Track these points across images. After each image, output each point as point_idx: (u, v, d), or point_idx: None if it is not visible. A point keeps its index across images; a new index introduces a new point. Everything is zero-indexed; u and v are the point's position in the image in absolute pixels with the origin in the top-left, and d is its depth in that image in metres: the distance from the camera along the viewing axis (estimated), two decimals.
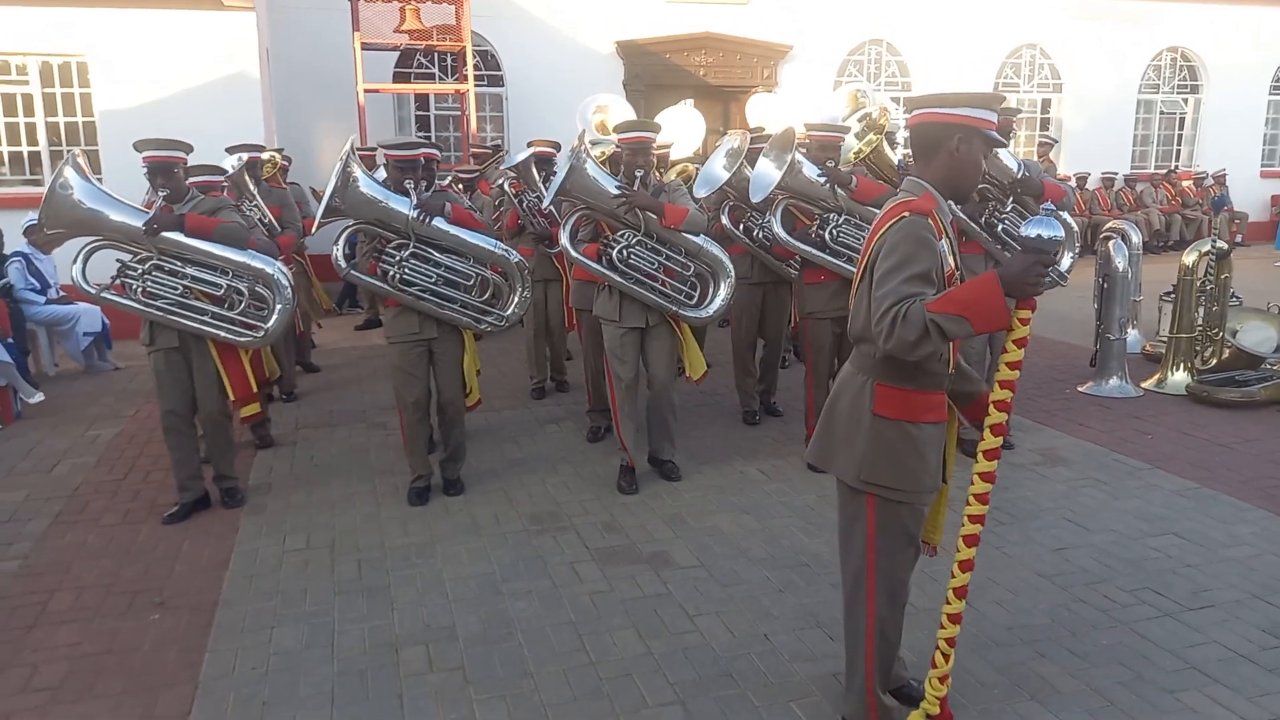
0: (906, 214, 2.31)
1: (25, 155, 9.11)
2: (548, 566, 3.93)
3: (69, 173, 4.02)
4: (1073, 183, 14.08)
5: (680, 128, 7.50)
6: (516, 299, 4.60)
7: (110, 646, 3.33)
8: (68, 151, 4.09)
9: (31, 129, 9.06)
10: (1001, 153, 4.94)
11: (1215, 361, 6.54)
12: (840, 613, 3.45)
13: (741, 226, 5.59)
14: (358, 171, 4.13)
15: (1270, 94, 15.99)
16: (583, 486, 4.86)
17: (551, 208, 5.29)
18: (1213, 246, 6.46)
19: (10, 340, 6.36)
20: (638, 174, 4.46)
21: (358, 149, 4.53)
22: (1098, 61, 14.67)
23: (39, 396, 6.40)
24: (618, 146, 5.76)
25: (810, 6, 13.42)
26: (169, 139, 4.30)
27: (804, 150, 4.96)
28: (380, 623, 3.46)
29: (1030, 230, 2.14)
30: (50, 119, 9.05)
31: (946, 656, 2.51)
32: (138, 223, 4.12)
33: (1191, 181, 15.16)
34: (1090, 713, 2.85)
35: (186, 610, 3.59)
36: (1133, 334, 7.25)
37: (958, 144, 2.34)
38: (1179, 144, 16.04)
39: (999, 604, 3.55)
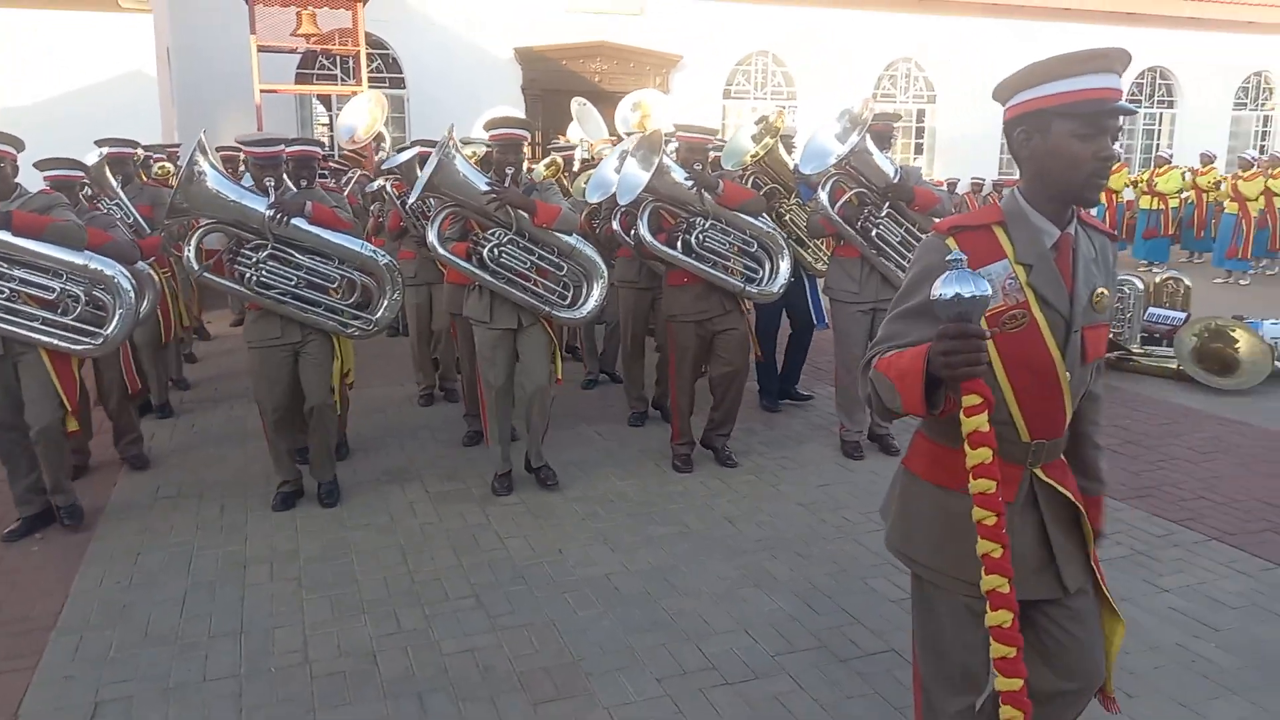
0: (931, 233, 1.95)
1: None
2: (389, 506, 4.56)
3: None
4: (944, 188, 15.19)
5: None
6: (386, 302, 4.43)
7: None
8: None
9: None
10: (877, 155, 5.02)
11: None
12: (626, 531, 4.20)
13: (633, 232, 5.21)
14: (206, 167, 3.97)
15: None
16: (436, 446, 5.50)
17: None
18: None
19: None
20: (508, 171, 4.40)
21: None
22: (970, 73, 15.81)
23: None
24: (488, 145, 6.17)
25: (700, 19, 14.25)
26: None
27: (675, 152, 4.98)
28: (233, 548, 4.06)
29: (944, 290, 1.57)
30: None
31: None
32: None
33: None
34: None
35: (62, 544, 4.12)
36: None
37: (1023, 139, 1.87)
38: None
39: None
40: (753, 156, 5.82)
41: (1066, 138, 1.78)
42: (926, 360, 1.64)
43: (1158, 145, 17.19)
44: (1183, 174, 13.65)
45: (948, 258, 1.60)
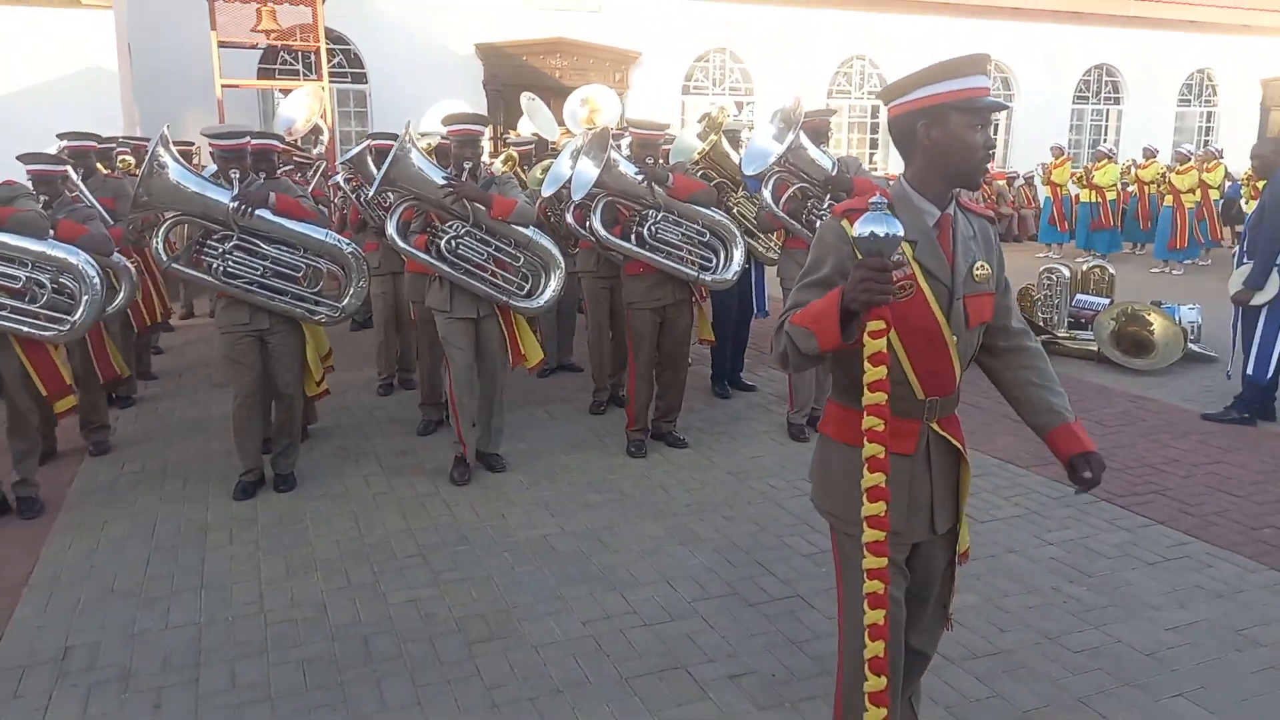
0: (829, 217, 2.19)
1: None
2: (344, 478, 4.84)
3: None
4: (893, 181, 15.59)
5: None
6: (353, 290, 4.54)
7: None
8: None
9: None
10: (812, 150, 5.20)
11: None
12: (567, 499, 4.50)
13: (588, 225, 5.35)
14: (168, 160, 4.07)
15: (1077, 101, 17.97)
16: (391, 425, 5.78)
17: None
18: None
19: None
20: (466, 165, 4.51)
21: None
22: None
23: None
24: (445, 138, 6.41)
25: (658, 16, 14.58)
26: None
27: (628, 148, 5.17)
28: (194, 517, 4.33)
29: (862, 229, 1.85)
30: None
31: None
32: None
33: (1004, 181, 16.93)
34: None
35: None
36: None
37: (925, 131, 2.08)
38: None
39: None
40: (700, 153, 6.11)
41: (964, 128, 2.04)
42: (841, 298, 1.89)
43: (1105, 140, 17.76)
44: (1125, 168, 14.17)
45: (870, 200, 1.85)
